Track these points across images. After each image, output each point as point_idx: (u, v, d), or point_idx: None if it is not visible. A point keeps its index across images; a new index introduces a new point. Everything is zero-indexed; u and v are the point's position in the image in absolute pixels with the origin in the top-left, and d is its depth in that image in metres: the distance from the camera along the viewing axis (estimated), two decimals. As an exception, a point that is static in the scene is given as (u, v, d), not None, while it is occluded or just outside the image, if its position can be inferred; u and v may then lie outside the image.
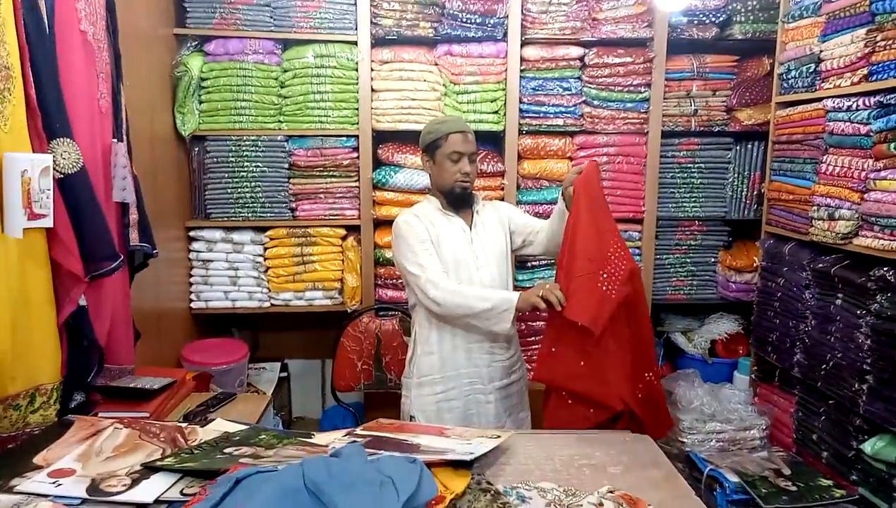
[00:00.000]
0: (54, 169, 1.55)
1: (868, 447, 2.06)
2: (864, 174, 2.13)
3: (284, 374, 3.39)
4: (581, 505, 1.33)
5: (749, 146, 3.12)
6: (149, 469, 1.36)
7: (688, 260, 3.25)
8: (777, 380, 2.68)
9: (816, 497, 2.14)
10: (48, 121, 1.54)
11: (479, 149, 2.32)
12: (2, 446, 1.48)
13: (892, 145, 2.00)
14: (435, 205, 2.25)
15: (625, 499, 1.35)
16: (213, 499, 1.10)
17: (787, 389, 2.61)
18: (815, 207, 2.38)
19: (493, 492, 1.34)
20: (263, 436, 1.56)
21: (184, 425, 1.63)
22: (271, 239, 3.06)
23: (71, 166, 1.59)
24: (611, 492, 1.38)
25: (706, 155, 3.15)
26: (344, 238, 3.11)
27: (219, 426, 1.66)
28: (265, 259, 3.09)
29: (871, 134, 2.09)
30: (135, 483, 1.31)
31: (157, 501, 1.25)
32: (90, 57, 1.76)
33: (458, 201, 2.23)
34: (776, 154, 2.75)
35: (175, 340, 2.85)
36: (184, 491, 1.28)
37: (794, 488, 2.19)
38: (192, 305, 3.07)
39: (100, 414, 1.70)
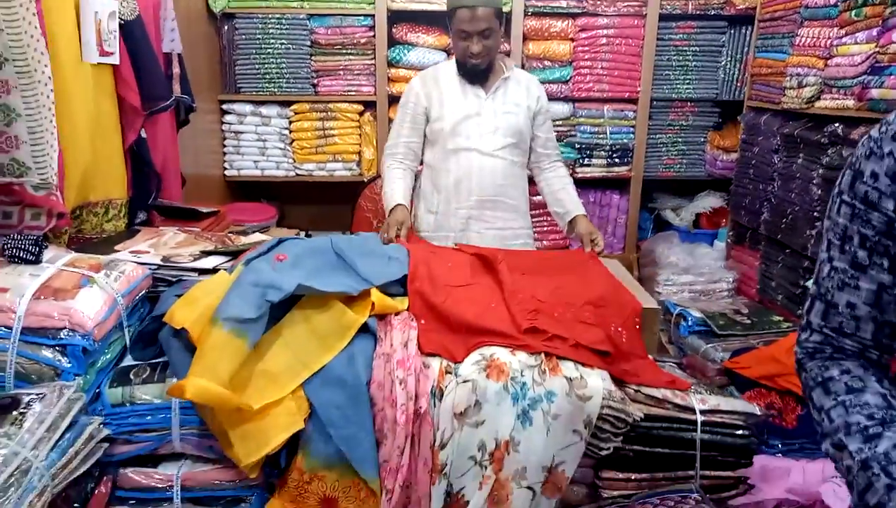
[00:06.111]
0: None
1: (811, 283, 2.37)
2: (829, 42, 2.35)
3: (308, 242, 3.75)
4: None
5: (742, 30, 3.30)
6: (206, 253, 1.72)
7: (679, 140, 3.50)
8: (748, 241, 2.98)
9: (766, 328, 2.47)
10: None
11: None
12: (87, 242, 1.85)
13: (854, 12, 2.21)
14: (456, 67, 2.27)
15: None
16: (262, 249, 1.46)
17: (754, 247, 2.92)
18: (787, 77, 2.61)
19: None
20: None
21: (230, 233, 1.99)
22: (295, 112, 3.35)
23: (129, 13, 1.89)
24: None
25: (701, 38, 3.34)
26: (361, 113, 3.39)
27: (257, 238, 2.02)
28: (290, 132, 3.38)
29: (839, 3, 2.30)
30: (196, 259, 1.67)
31: (215, 269, 1.61)
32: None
33: (470, 75, 2.24)
34: (761, 31, 2.94)
35: (211, 203, 3.19)
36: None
37: (748, 321, 2.52)
38: (226, 173, 3.41)
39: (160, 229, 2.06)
